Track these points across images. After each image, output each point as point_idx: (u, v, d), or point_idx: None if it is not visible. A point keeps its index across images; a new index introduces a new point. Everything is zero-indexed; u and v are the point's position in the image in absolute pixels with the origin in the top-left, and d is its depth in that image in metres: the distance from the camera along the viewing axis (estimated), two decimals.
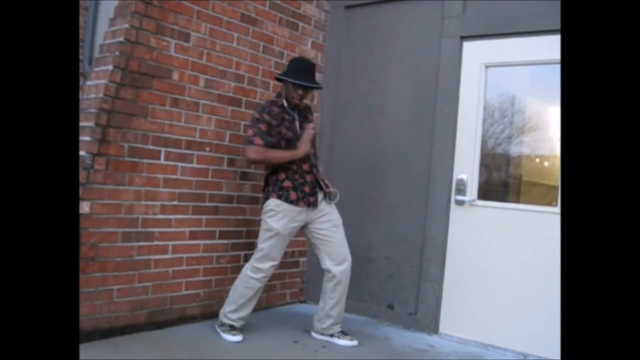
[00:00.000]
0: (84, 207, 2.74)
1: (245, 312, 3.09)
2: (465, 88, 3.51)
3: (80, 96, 2.89)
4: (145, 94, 2.99)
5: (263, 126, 2.98)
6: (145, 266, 3.04)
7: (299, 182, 3.05)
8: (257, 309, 3.68)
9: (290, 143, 3.04)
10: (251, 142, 2.97)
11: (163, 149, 3.10)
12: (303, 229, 3.15)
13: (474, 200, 3.44)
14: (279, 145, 3.02)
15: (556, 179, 3.23)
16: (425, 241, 3.56)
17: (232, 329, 3.06)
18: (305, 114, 3.21)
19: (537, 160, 3.63)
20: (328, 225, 3.13)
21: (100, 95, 2.81)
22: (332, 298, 3.14)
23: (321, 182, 3.14)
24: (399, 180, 3.73)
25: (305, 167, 3.08)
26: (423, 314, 3.53)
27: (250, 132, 3.00)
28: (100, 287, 2.84)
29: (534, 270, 3.15)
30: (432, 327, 3.48)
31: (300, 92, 3.04)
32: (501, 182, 3.80)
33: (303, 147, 3.01)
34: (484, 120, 3.48)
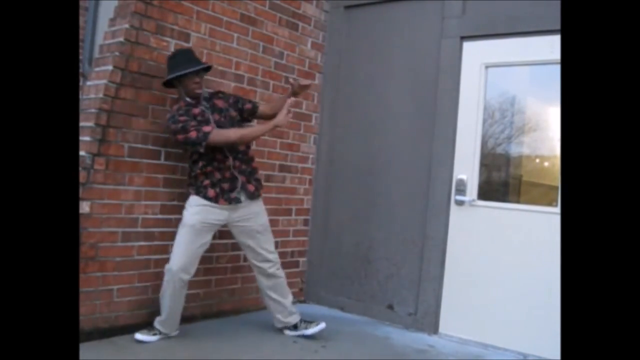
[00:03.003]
0: (84, 207, 2.74)
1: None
2: (465, 88, 3.51)
3: (80, 96, 2.89)
4: (145, 94, 2.99)
5: (193, 122, 2.80)
6: (145, 266, 3.04)
7: (218, 179, 2.91)
8: (257, 308, 3.69)
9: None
10: (205, 135, 2.77)
11: (163, 149, 3.10)
12: (229, 229, 3.07)
13: (473, 201, 3.44)
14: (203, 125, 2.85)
15: (556, 179, 3.23)
16: (425, 241, 3.56)
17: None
18: (214, 100, 3.00)
19: (537, 160, 3.63)
20: (256, 224, 3.04)
21: (100, 95, 2.81)
22: (283, 287, 3.18)
23: (242, 178, 2.97)
24: (399, 180, 3.73)
25: (228, 162, 2.92)
26: (423, 314, 3.53)
27: (191, 134, 2.77)
28: (100, 287, 2.84)
29: (534, 270, 3.15)
30: (432, 327, 3.48)
31: (196, 79, 2.88)
32: (501, 182, 3.80)
33: (279, 117, 2.83)
34: (484, 120, 3.48)
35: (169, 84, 2.94)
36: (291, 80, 2.94)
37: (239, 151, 2.98)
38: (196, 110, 2.89)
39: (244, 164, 3.01)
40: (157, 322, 2.93)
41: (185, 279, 2.88)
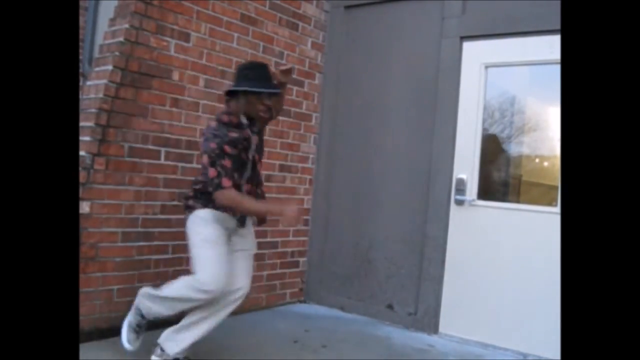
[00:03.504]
0: (84, 207, 2.74)
1: None
2: (465, 88, 3.51)
3: (80, 96, 2.89)
4: (145, 94, 2.99)
5: (228, 163, 2.44)
6: (145, 266, 3.04)
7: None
8: (257, 308, 3.69)
9: (244, 166, 2.56)
10: (219, 186, 2.42)
11: (163, 149, 3.10)
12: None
13: (473, 200, 3.44)
14: (232, 173, 2.49)
15: (556, 179, 3.23)
16: (425, 241, 3.56)
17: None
18: (256, 125, 2.61)
19: (537, 160, 3.63)
20: (241, 247, 2.67)
21: (100, 95, 2.81)
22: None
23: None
24: (399, 180, 3.73)
25: (247, 187, 2.60)
26: (423, 313, 3.53)
27: (212, 172, 2.42)
28: (100, 287, 2.84)
29: (534, 270, 3.15)
30: (432, 327, 3.48)
31: (268, 102, 2.52)
32: (501, 182, 3.81)
33: (291, 212, 2.48)
34: (484, 120, 3.48)
35: (231, 92, 2.57)
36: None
37: (254, 177, 2.65)
38: (246, 133, 2.54)
39: (258, 189, 2.69)
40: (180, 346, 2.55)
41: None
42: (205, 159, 2.45)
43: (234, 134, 2.49)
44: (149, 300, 2.57)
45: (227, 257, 2.53)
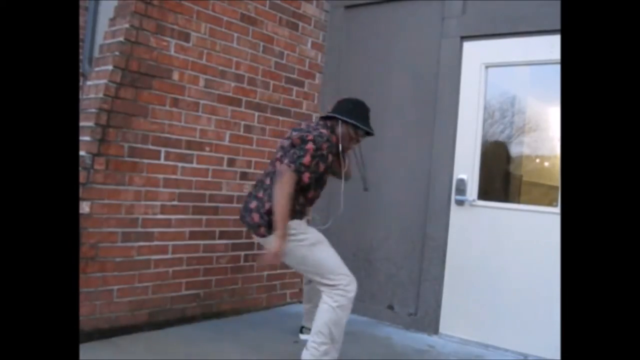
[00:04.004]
0: (84, 207, 2.74)
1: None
2: (465, 88, 3.51)
3: (80, 96, 2.89)
4: (145, 94, 2.99)
5: (322, 166, 2.62)
6: (145, 266, 3.04)
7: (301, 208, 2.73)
8: (257, 309, 3.70)
9: (322, 183, 2.78)
10: (298, 170, 2.53)
11: (163, 149, 3.10)
12: None
13: (474, 200, 3.44)
14: (316, 179, 2.66)
15: (556, 179, 3.23)
16: (425, 241, 3.56)
17: None
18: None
19: (537, 160, 3.63)
20: None
21: (100, 95, 2.81)
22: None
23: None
24: (399, 180, 3.73)
25: (310, 195, 2.75)
26: (423, 314, 3.53)
27: (307, 159, 2.53)
28: (100, 287, 2.84)
29: (534, 271, 3.15)
30: (432, 327, 3.48)
31: (361, 138, 2.80)
32: (501, 182, 3.80)
33: (271, 253, 2.54)
34: (484, 120, 3.48)
35: (334, 118, 2.75)
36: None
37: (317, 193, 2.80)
38: (335, 155, 2.75)
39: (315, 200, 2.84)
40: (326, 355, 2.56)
41: None
42: (309, 145, 2.54)
43: (332, 153, 2.68)
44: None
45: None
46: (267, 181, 2.69)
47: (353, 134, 2.76)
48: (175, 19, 3.12)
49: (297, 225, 2.63)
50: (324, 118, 2.83)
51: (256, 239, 2.81)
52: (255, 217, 2.65)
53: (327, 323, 2.54)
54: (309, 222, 2.81)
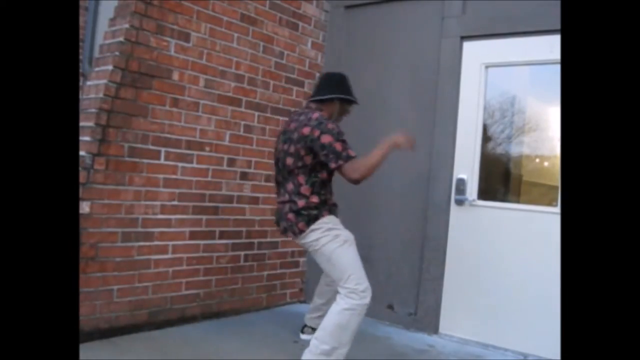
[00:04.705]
0: (84, 207, 2.74)
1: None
2: (465, 88, 3.51)
3: (80, 96, 2.89)
4: (145, 94, 2.99)
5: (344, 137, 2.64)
6: (145, 266, 3.05)
7: (331, 205, 2.75)
8: (257, 308, 3.70)
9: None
10: (348, 157, 2.52)
11: (163, 149, 3.10)
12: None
13: (474, 200, 3.44)
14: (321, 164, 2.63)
15: (556, 179, 3.23)
16: (425, 241, 3.56)
17: None
18: None
19: (537, 160, 3.63)
20: None
21: (100, 95, 2.81)
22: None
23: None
24: (399, 180, 3.73)
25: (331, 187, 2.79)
26: (423, 314, 3.53)
27: (338, 146, 2.53)
28: (100, 287, 2.84)
29: (534, 270, 3.15)
30: (432, 327, 3.48)
31: (349, 109, 2.89)
32: (501, 182, 3.80)
33: (401, 138, 2.70)
34: (484, 120, 3.48)
35: (327, 99, 2.78)
36: None
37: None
38: None
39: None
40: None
41: None
42: (326, 138, 2.53)
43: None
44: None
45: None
46: (290, 186, 2.65)
47: (347, 107, 2.86)
48: (175, 19, 3.12)
49: (334, 221, 2.66)
50: (318, 101, 2.79)
51: (299, 242, 2.71)
52: (291, 217, 2.63)
53: (337, 324, 2.52)
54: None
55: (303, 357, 2.57)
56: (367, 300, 2.57)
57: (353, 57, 4.03)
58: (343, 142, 2.56)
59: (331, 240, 2.60)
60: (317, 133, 2.55)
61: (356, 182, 2.59)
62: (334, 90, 2.79)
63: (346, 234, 2.67)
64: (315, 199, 2.63)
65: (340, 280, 2.57)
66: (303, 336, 3.12)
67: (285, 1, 3.79)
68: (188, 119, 3.22)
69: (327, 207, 2.67)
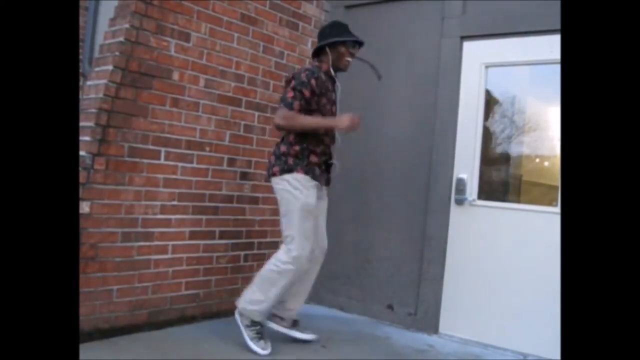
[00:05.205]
0: (84, 207, 2.74)
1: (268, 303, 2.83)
2: (465, 88, 3.51)
3: (80, 96, 2.89)
4: (145, 94, 2.99)
5: (307, 92, 2.74)
6: (145, 266, 3.04)
7: (323, 159, 2.88)
8: None
9: (325, 114, 2.85)
10: (287, 105, 2.71)
11: (163, 149, 3.10)
12: None
13: (474, 200, 3.44)
14: (309, 113, 2.80)
15: (556, 179, 3.23)
16: (425, 241, 3.56)
17: (259, 336, 2.84)
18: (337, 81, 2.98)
19: (537, 160, 3.63)
20: (322, 209, 2.99)
21: (100, 95, 2.81)
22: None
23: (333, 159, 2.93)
24: (399, 179, 3.73)
25: (328, 140, 2.90)
26: (423, 314, 3.53)
27: (290, 94, 2.73)
28: (100, 287, 2.84)
29: (534, 270, 3.15)
30: (432, 327, 3.48)
31: (353, 50, 2.88)
32: (501, 182, 3.81)
33: (345, 120, 2.74)
34: (484, 120, 3.48)
35: (319, 51, 2.93)
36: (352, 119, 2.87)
37: (331, 132, 2.91)
38: (329, 86, 2.89)
39: (332, 144, 2.96)
40: (255, 310, 2.81)
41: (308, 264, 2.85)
42: (292, 84, 2.74)
43: (322, 75, 2.82)
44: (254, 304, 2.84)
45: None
46: (291, 137, 2.84)
47: (344, 50, 2.87)
48: (175, 19, 3.12)
49: (303, 181, 2.79)
50: (314, 56, 2.98)
51: (271, 184, 2.90)
52: (272, 158, 2.87)
53: (264, 277, 2.82)
54: (321, 185, 2.88)
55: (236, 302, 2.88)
56: (293, 267, 2.76)
57: None
58: (296, 91, 2.73)
59: (292, 200, 2.77)
60: (292, 81, 2.78)
61: (277, 126, 2.79)
62: (322, 40, 2.92)
63: (306, 202, 2.77)
64: (296, 147, 2.81)
65: (284, 237, 2.82)
66: (299, 335, 3.09)
67: (285, 1, 3.79)
68: (188, 119, 3.22)
69: (305, 162, 2.81)
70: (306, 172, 2.80)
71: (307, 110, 2.76)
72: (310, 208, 2.79)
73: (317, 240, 2.93)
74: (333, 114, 2.92)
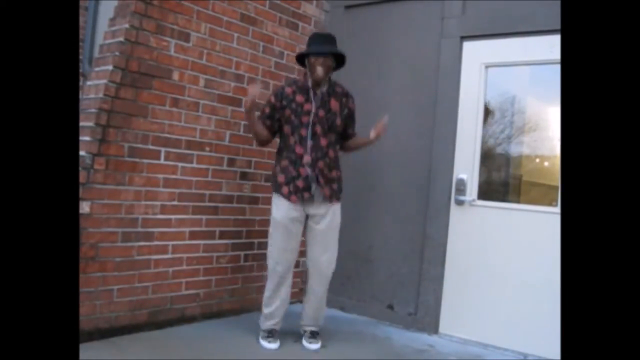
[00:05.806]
0: (84, 207, 2.74)
1: (270, 308, 3.07)
2: (465, 88, 3.51)
3: (80, 96, 2.89)
4: (145, 94, 2.99)
5: (267, 109, 3.01)
6: (145, 266, 3.04)
7: (290, 176, 2.92)
8: (257, 309, 3.69)
9: (295, 128, 2.91)
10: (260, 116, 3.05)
11: (163, 149, 3.10)
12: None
13: (474, 200, 3.44)
14: (281, 129, 2.99)
15: (556, 179, 3.23)
16: (425, 241, 3.56)
17: (268, 334, 3.05)
18: (333, 98, 2.97)
19: (537, 160, 3.63)
20: (323, 226, 3.00)
21: (100, 95, 2.81)
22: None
23: (321, 178, 2.91)
24: (399, 180, 3.73)
25: (295, 156, 2.92)
26: (423, 314, 3.53)
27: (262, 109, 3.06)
28: (100, 287, 2.84)
29: (534, 271, 3.15)
30: (432, 327, 3.48)
31: (320, 60, 2.88)
32: (501, 182, 3.80)
33: (249, 89, 2.89)
34: (484, 120, 3.48)
35: (302, 63, 3.05)
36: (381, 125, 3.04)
37: (316, 148, 2.92)
38: (299, 98, 2.94)
39: (321, 161, 2.93)
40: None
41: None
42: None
43: (288, 89, 2.96)
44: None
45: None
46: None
47: (313, 61, 2.91)
48: (175, 19, 3.12)
49: (276, 201, 2.98)
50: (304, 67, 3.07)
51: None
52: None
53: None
54: (303, 199, 2.93)
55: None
56: (270, 276, 3.04)
57: (353, 57, 4.00)
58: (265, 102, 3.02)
59: (272, 215, 3.00)
60: None
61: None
62: (298, 56, 3.08)
63: (274, 217, 2.97)
64: (277, 164, 3.03)
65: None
66: (309, 345, 3.08)
67: (285, 1, 3.79)
68: (188, 119, 3.22)
69: (285, 181, 2.94)
70: (275, 190, 3.00)
71: (274, 119, 2.99)
72: (280, 225, 2.95)
73: (309, 257, 3.09)
74: (304, 124, 2.91)
